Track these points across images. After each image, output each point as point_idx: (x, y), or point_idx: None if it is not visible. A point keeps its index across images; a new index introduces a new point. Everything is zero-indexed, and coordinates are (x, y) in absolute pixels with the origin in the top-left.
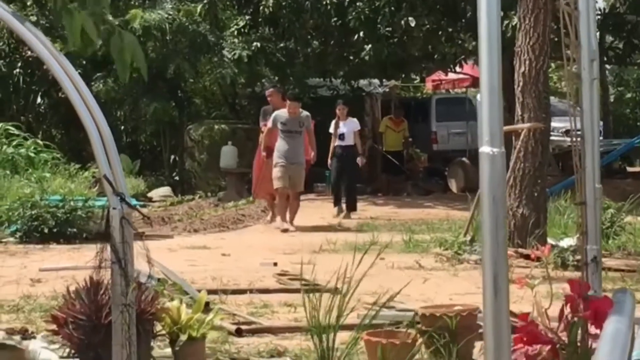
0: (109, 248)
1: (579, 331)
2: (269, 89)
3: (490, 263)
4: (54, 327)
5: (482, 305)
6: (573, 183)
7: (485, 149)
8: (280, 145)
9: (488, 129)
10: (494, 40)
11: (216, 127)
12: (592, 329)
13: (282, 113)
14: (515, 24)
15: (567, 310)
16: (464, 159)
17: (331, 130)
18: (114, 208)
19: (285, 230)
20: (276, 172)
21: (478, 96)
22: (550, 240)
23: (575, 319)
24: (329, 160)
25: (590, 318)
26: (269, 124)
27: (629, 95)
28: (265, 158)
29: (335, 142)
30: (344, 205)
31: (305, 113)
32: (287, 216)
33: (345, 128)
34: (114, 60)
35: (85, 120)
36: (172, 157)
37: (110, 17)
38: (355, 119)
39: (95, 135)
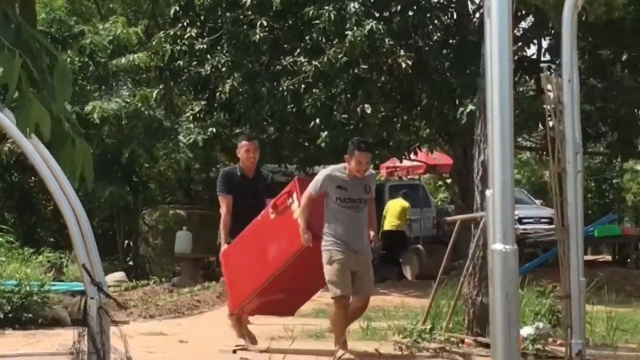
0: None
1: None
2: (250, 140)
3: None
4: None
5: None
6: (528, 270)
7: (497, 246)
8: (334, 223)
9: (501, 226)
10: (506, 139)
11: (171, 212)
12: None
13: (338, 172)
14: (470, 111)
15: None
16: (418, 245)
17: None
18: (91, 297)
19: None
20: (332, 270)
21: (488, 192)
22: None
23: None
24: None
25: None
26: (311, 188)
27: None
28: (306, 244)
29: None
30: None
31: (370, 172)
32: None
33: None
34: (62, 168)
35: (63, 209)
36: (126, 242)
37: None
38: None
39: (74, 226)
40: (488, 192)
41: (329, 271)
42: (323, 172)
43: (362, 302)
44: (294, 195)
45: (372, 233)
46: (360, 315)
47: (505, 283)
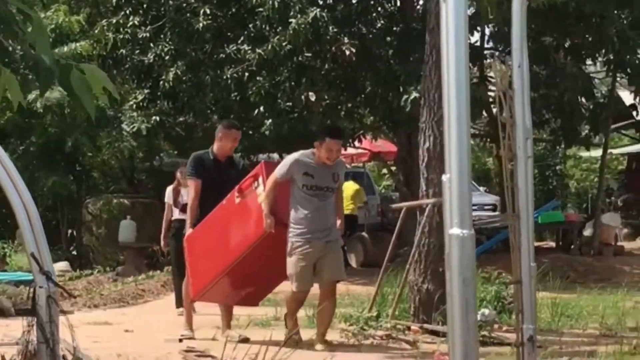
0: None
1: None
2: (239, 129)
3: (461, 347)
4: None
5: None
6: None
7: (455, 230)
8: (299, 211)
9: (458, 211)
10: (463, 124)
11: (115, 201)
12: None
13: (306, 158)
14: (414, 99)
15: None
16: (363, 233)
17: (167, 199)
18: (40, 287)
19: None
20: (293, 263)
21: (444, 177)
22: None
23: None
24: (162, 240)
25: None
26: (277, 172)
27: None
28: (268, 229)
29: (174, 215)
30: None
31: (340, 159)
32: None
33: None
34: (74, 96)
35: (12, 198)
36: (70, 231)
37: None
38: None
39: (22, 214)
40: (444, 177)
41: (289, 263)
42: (291, 156)
43: (329, 290)
44: (260, 179)
45: (338, 221)
46: (332, 309)
47: (462, 268)
